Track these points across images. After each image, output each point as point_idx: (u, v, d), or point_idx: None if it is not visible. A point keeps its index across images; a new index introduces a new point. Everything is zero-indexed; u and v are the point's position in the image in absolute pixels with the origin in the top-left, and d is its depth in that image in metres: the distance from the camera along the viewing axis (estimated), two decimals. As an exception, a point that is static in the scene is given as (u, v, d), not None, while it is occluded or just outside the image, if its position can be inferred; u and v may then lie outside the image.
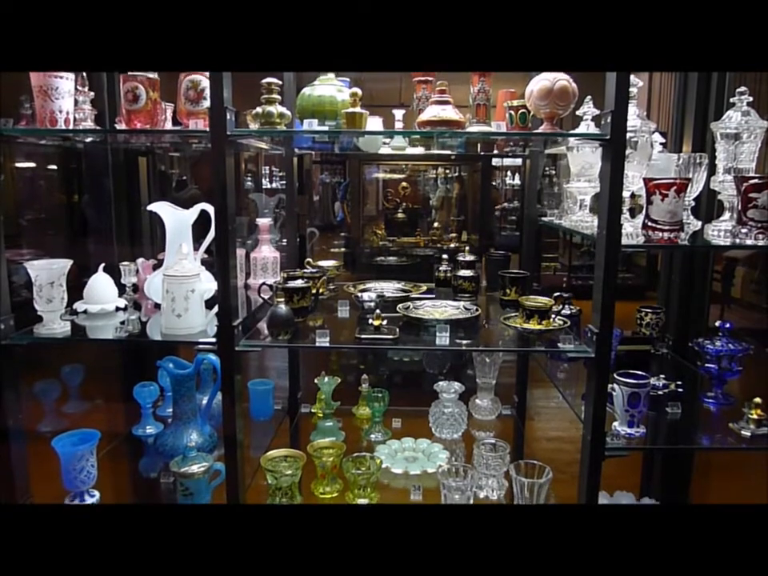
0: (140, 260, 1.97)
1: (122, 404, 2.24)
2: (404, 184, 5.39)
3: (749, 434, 1.54)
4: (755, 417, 1.55)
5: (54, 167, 5.72)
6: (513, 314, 1.63)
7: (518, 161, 7.28)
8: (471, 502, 1.60)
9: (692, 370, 1.96)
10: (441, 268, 2.04)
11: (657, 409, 1.69)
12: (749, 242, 1.46)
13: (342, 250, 4.63)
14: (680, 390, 1.79)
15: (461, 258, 1.93)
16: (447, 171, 5.34)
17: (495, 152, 2.61)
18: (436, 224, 4.57)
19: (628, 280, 6.35)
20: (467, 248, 2.02)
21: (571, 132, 1.47)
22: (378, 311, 1.51)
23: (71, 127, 1.50)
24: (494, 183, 7.62)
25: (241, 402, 1.55)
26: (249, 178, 7.63)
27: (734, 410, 1.68)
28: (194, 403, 1.85)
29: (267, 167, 7.50)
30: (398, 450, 1.94)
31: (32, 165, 5.31)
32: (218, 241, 1.43)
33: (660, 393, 1.77)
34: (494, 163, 7.14)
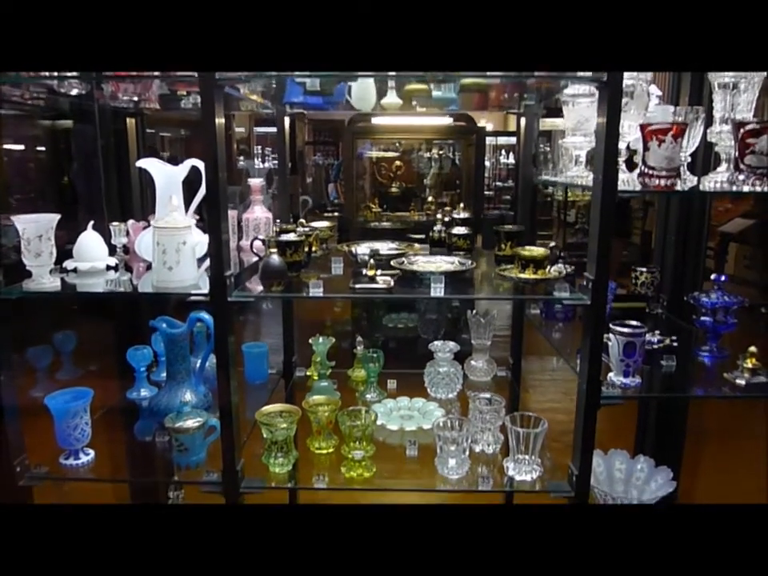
0: (130, 221, 1.94)
1: (115, 370, 2.22)
2: (398, 163, 5.36)
3: (743, 382, 1.55)
4: (750, 366, 1.55)
5: (43, 148, 5.66)
6: (508, 266, 1.62)
7: (513, 139, 7.26)
8: (467, 455, 1.60)
9: (687, 328, 1.96)
10: (435, 228, 2.02)
11: (652, 362, 1.69)
12: (746, 188, 1.45)
13: (336, 217, 4.61)
14: (675, 344, 1.80)
15: (455, 215, 1.91)
16: (441, 151, 5.30)
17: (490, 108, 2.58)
18: (430, 198, 4.55)
19: (622, 257, 6.36)
20: (461, 205, 2.00)
21: (567, 74, 1.45)
22: (372, 261, 1.49)
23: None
24: (487, 162, 7.60)
25: (235, 365, 1.54)
26: (241, 159, 7.58)
27: (729, 363, 1.68)
28: (188, 363, 1.84)
29: (259, 146, 7.46)
30: (393, 408, 1.94)
31: (21, 147, 5.25)
32: (208, 190, 1.41)
33: (655, 347, 1.77)
34: (487, 142, 7.12)
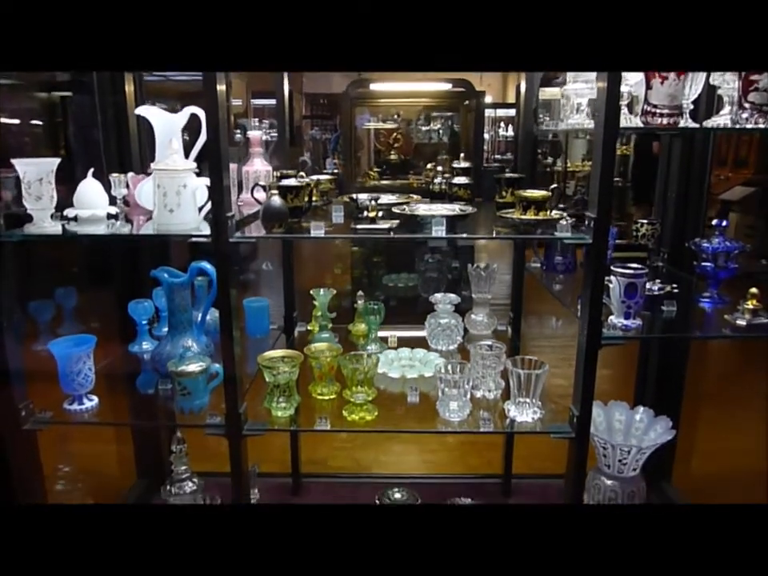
0: (130, 174, 1.92)
1: (117, 326, 2.23)
2: (396, 135, 5.32)
3: (744, 323, 1.55)
4: (751, 307, 1.56)
5: (39, 122, 5.61)
6: (509, 210, 1.61)
7: (512, 111, 7.20)
8: (468, 398, 1.61)
9: (687, 278, 1.96)
10: (435, 180, 2.02)
11: (652, 309, 1.70)
12: (749, 125, 1.45)
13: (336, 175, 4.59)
14: (675, 290, 1.80)
15: (456, 165, 1.90)
16: (440, 119, 5.26)
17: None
18: (429, 166, 4.51)
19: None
20: (462, 155, 1.99)
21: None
22: (373, 203, 1.49)
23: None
24: (486, 135, 7.55)
25: (236, 312, 1.54)
26: (238, 132, 7.52)
27: (729, 309, 1.69)
28: (190, 314, 1.84)
29: (256, 119, 7.40)
30: (394, 359, 1.95)
31: (16, 121, 5.21)
32: (209, 131, 1.40)
33: (656, 293, 1.78)
34: (486, 114, 7.06)
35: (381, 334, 2.09)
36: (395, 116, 5.23)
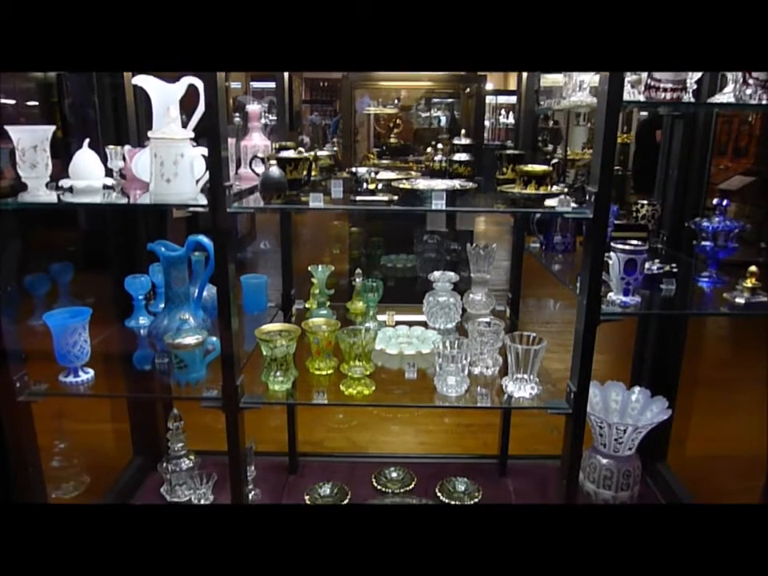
0: (127, 147, 1.90)
1: (112, 303, 2.21)
2: (396, 120, 5.28)
3: (743, 301, 1.55)
4: (750, 285, 1.55)
5: (35, 103, 5.55)
6: (510, 185, 1.60)
7: (512, 98, 7.16)
8: (466, 373, 1.61)
9: (687, 260, 1.96)
10: (435, 158, 2.00)
11: (651, 288, 1.69)
12: (753, 101, 1.43)
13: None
14: (675, 269, 1.80)
15: (456, 142, 1.89)
16: (441, 104, 5.22)
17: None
18: (429, 150, 4.49)
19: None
20: (463, 131, 1.97)
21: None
22: (373, 175, 1.47)
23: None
24: (487, 122, 7.51)
25: (234, 287, 1.53)
26: (237, 115, 7.47)
27: (728, 288, 1.68)
28: (187, 288, 1.83)
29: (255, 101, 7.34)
30: (392, 336, 1.94)
31: (11, 101, 5.15)
32: (206, 97, 1.38)
33: (655, 272, 1.77)
34: (487, 101, 7.02)
35: (379, 317, 2.09)
36: (395, 101, 5.20)
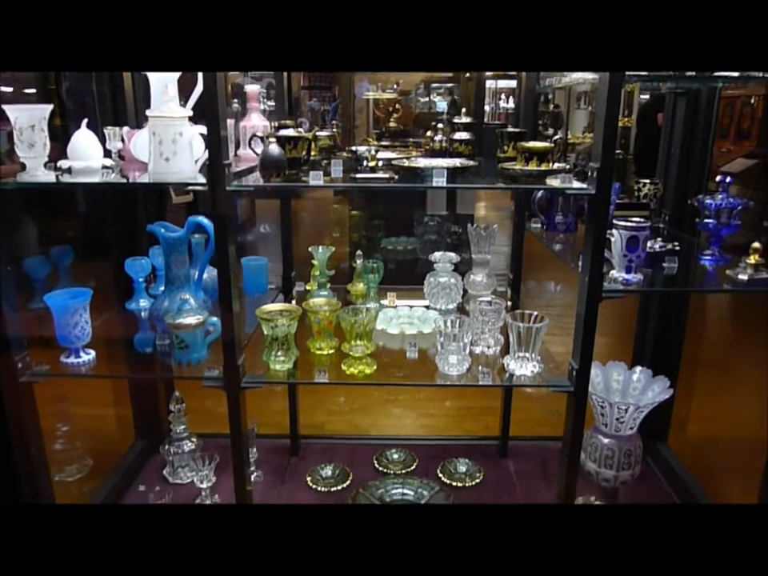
0: (125, 128, 1.89)
1: (113, 286, 2.21)
2: (395, 105, 5.24)
3: (746, 277, 1.54)
4: (753, 262, 1.54)
5: (33, 90, 5.52)
6: (512, 163, 1.59)
7: (513, 83, 7.11)
8: (467, 352, 1.60)
9: (689, 239, 1.95)
10: (435, 138, 1.98)
11: (654, 266, 1.69)
12: (758, 73, 1.42)
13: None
14: (677, 248, 1.79)
15: (456, 120, 1.87)
16: (441, 91, 5.18)
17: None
18: (429, 133, 4.46)
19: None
20: (464, 110, 1.95)
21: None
22: (373, 152, 1.46)
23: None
24: (487, 107, 7.46)
25: (235, 275, 1.52)
26: (235, 101, 7.42)
27: (731, 266, 1.68)
28: (187, 269, 1.82)
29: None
30: (393, 316, 1.94)
31: (9, 89, 5.11)
32: (205, 75, 1.36)
33: (657, 250, 1.77)
34: (487, 86, 6.98)
35: (380, 301, 2.08)
36: (394, 85, 5.15)
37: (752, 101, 5.56)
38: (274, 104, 2.43)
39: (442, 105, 5.05)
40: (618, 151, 5.97)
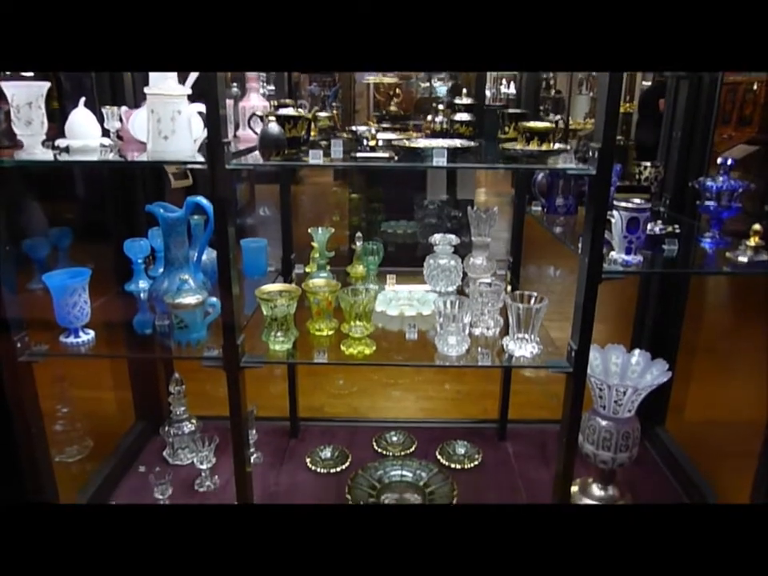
0: (123, 108, 1.88)
1: (112, 269, 2.21)
2: (397, 90, 5.20)
3: (746, 260, 1.54)
4: (753, 244, 1.54)
5: (31, 74, 5.46)
6: (513, 143, 1.58)
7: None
8: (466, 333, 1.61)
9: (689, 222, 1.94)
10: (436, 119, 1.97)
11: (654, 249, 1.68)
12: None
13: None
14: (677, 231, 1.78)
15: (457, 101, 1.86)
16: (442, 73, 5.13)
17: None
18: (429, 117, 4.43)
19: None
20: (464, 90, 1.94)
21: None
22: (373, 132, 1.45)
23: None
24: (488, 93, 7.41)
25: (234, 256, 1.51)
26: (234, 85, 7.37)
27: (731, 249, 1.67)
28: (186, 250, 1.81)
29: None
30: (392, 298, 1.94)
31: (6, 72, 5.06)
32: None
33: (657, 233, 1.76)
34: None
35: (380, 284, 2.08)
36: (393, 75, 5.11)
37: (754, 87, 5.53)
38: (273, 88, 2.41)
39: (442, 90, 5.00)
40: (618, 137, 5.94)
